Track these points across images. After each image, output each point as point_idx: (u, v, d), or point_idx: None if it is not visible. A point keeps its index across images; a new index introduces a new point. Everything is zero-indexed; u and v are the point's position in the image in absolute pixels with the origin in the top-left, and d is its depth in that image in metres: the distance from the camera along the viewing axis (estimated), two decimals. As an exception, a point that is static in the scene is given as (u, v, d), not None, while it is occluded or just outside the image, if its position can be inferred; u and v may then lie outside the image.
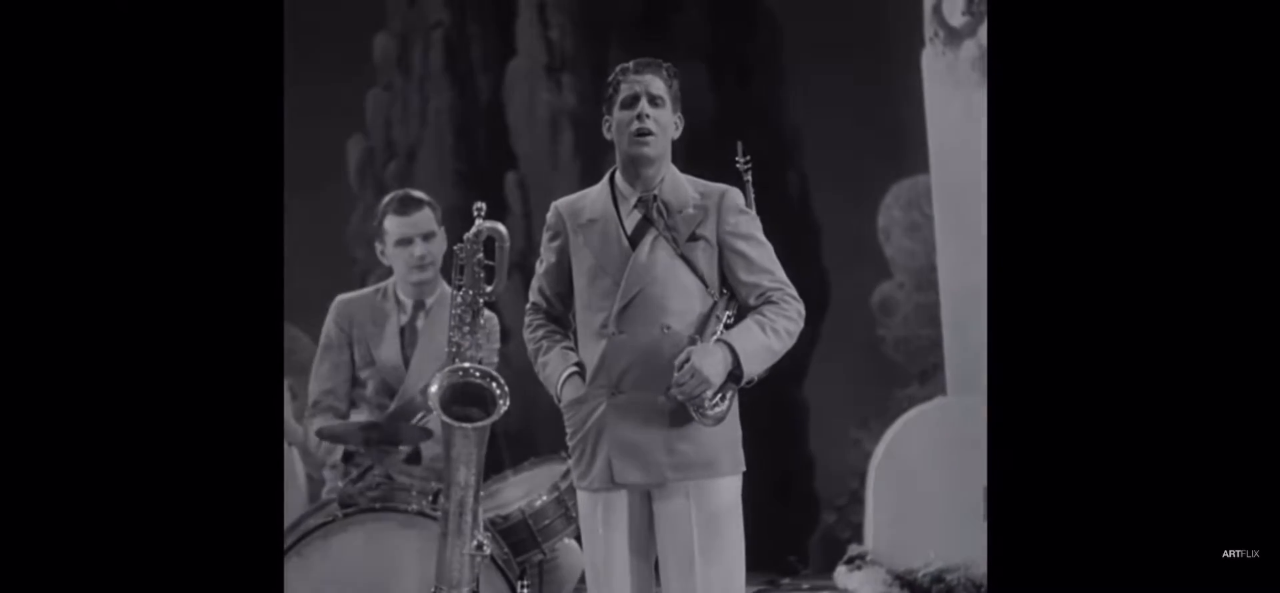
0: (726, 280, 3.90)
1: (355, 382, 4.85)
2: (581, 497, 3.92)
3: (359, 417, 4.75)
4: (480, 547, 4.10)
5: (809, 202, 8.54)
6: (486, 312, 4.41)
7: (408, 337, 4.82)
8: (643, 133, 3.86)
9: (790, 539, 8.20)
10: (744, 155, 3.96)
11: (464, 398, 4.13)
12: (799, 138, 8.52)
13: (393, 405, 4.76)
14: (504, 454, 6.52)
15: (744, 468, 3.89)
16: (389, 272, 4.91)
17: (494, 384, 4.13)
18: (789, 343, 3.87)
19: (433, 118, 8.89)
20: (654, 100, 3.88)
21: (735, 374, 3.80)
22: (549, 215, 4.00)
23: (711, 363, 3.77)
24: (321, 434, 4.65)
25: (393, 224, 4.81)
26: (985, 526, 3.84)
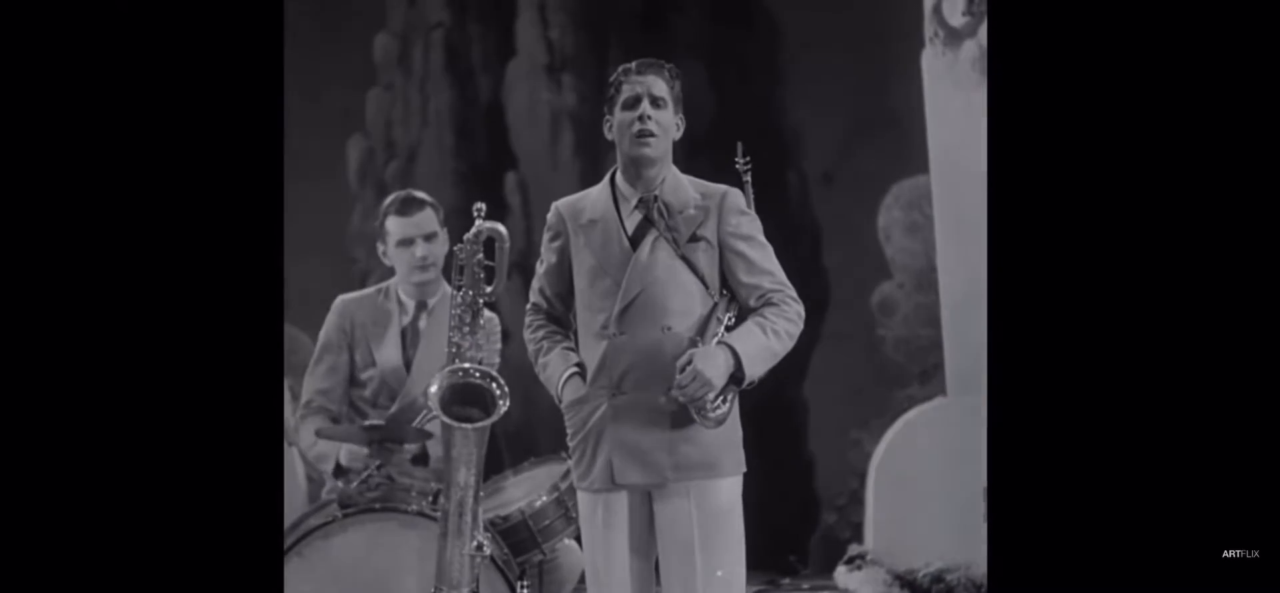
0: (727, 281, 3.90)
1: (355, 383, 4.84)
2: (582, 497, 3.92)
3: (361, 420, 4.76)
4: (480, 547, 4.10)
5: (809, 202, 8.54)
6: (487, 312, 4.41)
7: (410, 337, 4.82)
8: (644, 134, 3.86)
9: (790, 539, 8.20)
10: (744, 156, 3.97)
11: (464, 398, 4.13)
12: (799, 138, 8.52)
13: (394, 407, 4.76)
14: (504, 455, 6.53)
15: (745, 468, 3.90)
16: (390, 272, 4.90)
17: (494, 385, 4.13)
18: (789, 345, 3.88)
19: (433, 118, 8.89)
20: (656, 101, 3.88)
21: (737, 376, 3.80)
22: (550, 216, 4.00)
23: (713, 365, 3.77)
24: (322, 434, 4.65)
25: (394, 225, 4.81)
26: (985, 526, 3.84)
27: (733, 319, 3.87)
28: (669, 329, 3.83)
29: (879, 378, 8.24)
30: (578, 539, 4.31)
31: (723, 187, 3.93)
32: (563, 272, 3.96)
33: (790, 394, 8.24)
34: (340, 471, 4.69)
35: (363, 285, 5.07)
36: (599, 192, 3.95)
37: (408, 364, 4.79)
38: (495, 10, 8.90)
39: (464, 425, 4.07)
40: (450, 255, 4.32)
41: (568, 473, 4.45)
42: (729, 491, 3.86)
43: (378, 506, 4.42)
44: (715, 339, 3.82)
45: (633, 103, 3.88)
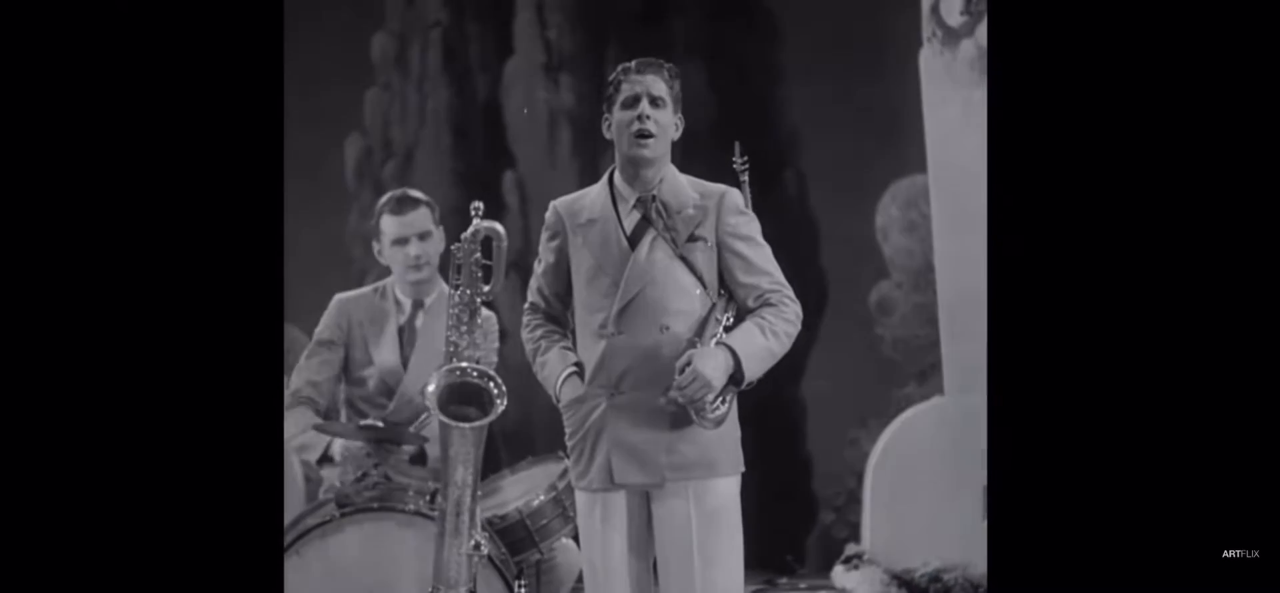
0: (725, 281, 3.90)
1: (353, 382, 4.84)
2: (580, 497, 3.92)
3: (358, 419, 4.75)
4: (477, 547, 4.10)
5: (807, 201, 8.54)
6: (485, 311, 4.40)
7: (407, 336, 4.82)
8: (643, 134, 3.85)
9: (787, 539, 8.19)
10: (742, 156, 3.97)
11: (461, 397, 4.13)
12: (797, 138, 8.51)
13: (391, 406, 4.76)
14: (501, 454, 6.53)
15: (743, 468, 3.90)
16: (388, 271, 4.90)
17: (491, 384, 4.12)
18: (788, 346, 3.88)
19: (431, 117, 8.88)
20: (655, 101, 3.88)
21: (736, 377, 3.80)
22: (548, 215, 4.00)
23: (713, 366, 3.76)
24: (320, 431, 4.65)
25: (389, 224, 4.80)
26: (984, 526, 3.84)
27: (731, 319, 3.87)
28: (667, 329, 3.83)
29: (877, 377, 8.23)
30: (575, 539, 4.31)
31: (721, 186, 3.93)
32: (561, 271, 3.96)
33: (787, 394, 8.23)
34: (325, 460, 4.68)
35: (361, 284, 5.07)
36: (597, 191, 3.95)
37: (405, 363, 4.79)
38: (493, 10, 8.89)
39: (461, 425, 4.07)
40: (448, 255, 4.31)
41: (565, 473, 4.45)
42: (727, 490, 3.85)
43: (375, 505, 4.42)
44: (714, 340, 3.82)
45: (632, 102, 3.87)
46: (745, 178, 3.96)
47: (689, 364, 3.76)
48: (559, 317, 4.01)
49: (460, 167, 8.76)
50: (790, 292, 3.91)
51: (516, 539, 4.57)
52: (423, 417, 4.62)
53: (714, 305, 3.88)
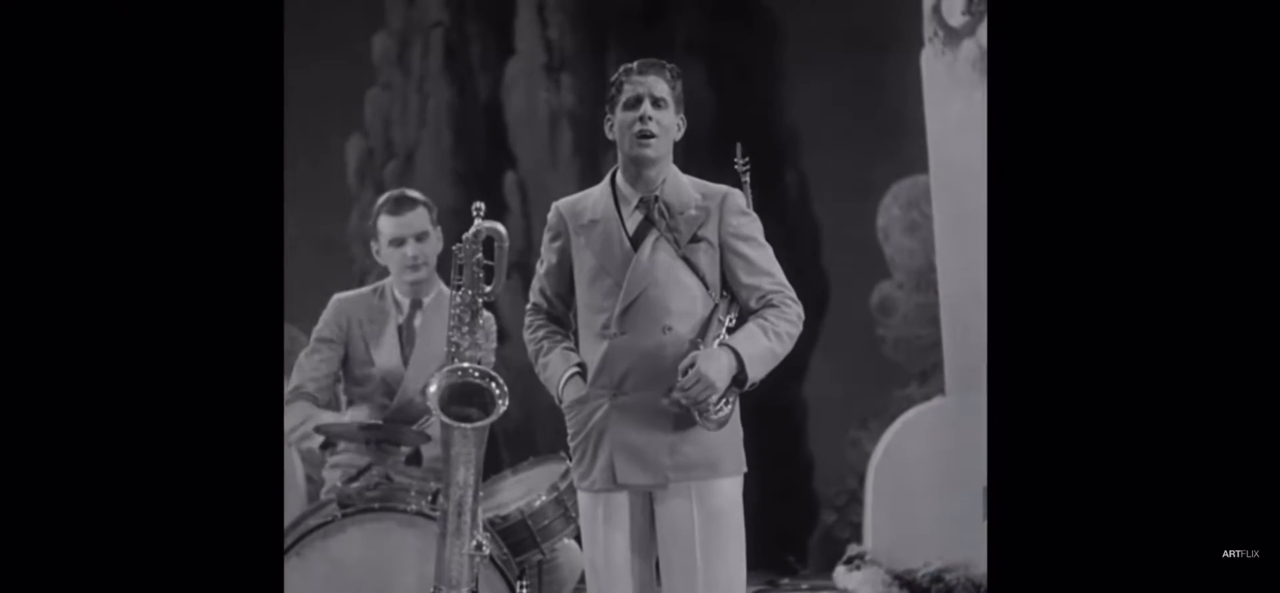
0: (726, 282, 3.90)
1: (353, 381, 4.84)
2: (582, 497, 3.92)
3: (357, 416, 4.75)
4: (479, 547, 4.09)
5: (808, 202, 8.54)
6: (483, 311, 4.40)
7: (406, 336, 4.82)
8: (645, 135, 3.86)
9: (789, 539, 8.20)
10: (743, 156, 3.97)
11: (463, 398, 4.12)
12: (798, 138, 8.52)
13: (392, 405, 4.76)
14: (503, 454, 6.53)
15: (745, 469, 3.90)
16: (387, 271, 4.90)
17: (493, 384, 4.12)
18: (790, 347, 3.88)
19: (432, 117, 8.88)
20: (657, 102, 3.88)
21: (739, 379, 3.80)
22: (550, 216, 4.00)
23: (716, 367, 3.77)
24: (321, 430, 4.65)
25: (386, 224, 4.80)
26: (985, 525, 3.84)
27: (734, 320, 3.87)
28: (670, 330, 3.83)
29: (878, 378, 8.23)
30: (577, 539, 4.31)
31: (723, 187, 3.93)
32: (563, 272, 3.96)
33: (789, 394, 8.23)
34: (328, 445, 4.68)
35: (361, 284, 5.07)
36: (600, 192, 3.95)
37: (406, 362, 4.79)
38: (494, 9, 8.90)
39: (463, 425, 4.07)
40: (449, 255, 4.31)
41: (567, 473, 4.45)
42: (730, 490, 3.86)
43: (377, 505, 4.41)
44: (717, 341, 3.82)
45: (634, 103, 3.88)
46: (747, 178, 3.96)
47: (692, 366, 3.76)
48: (561, 317, 4.01)
49: (461, 167, 8.76)
50: (792, 292, 3.92)
51: (518, 540, 4.56)
52: (425, 418, 4.62)
53: (716, 306, 3.88)
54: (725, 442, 3.85)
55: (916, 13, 6.99)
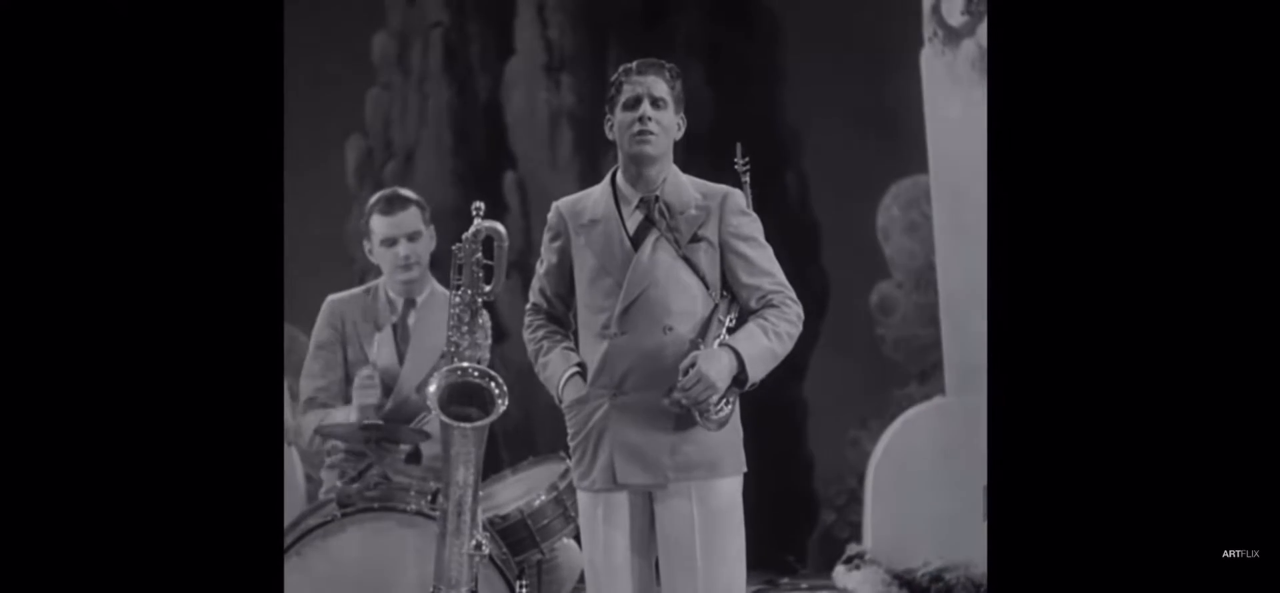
0: (727, 282, 3.90)
1: (349, 380, 4.84)
2: (582, 497, 3.92)
3: (355, 415, 4.75)
4: (479, 547, 4.09)
5: (808, 202, 8.54)
6: (482, 311, 4.40)
7: (401, 335, 4.82)
8: (645, 135, 3.86)
9: (789, 539, 8.19)
10: (743, 156, 3.97)
11: (462, 397, 4.12)
12: (798, 138, 8.52)
13: (388, 405, 4.75)
14: (503, 454, 6.52)
15: (745, 468, 3.90)
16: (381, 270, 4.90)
17: (492, 384, 4.12)
18: (790, 347, 3.88)
19: (432, 117, 8.87)
20: (656, 102, 3.88)
21: (739, 379, 3.80)
22: (550, 216, 4.00)
23: (717, 368, 3.77)
24: (321, 432, 4.65)
25: (378, 223, 4.80)
26: (984, 525, 3.84)
27: (734, 320, 3.87)
28: (670, 330, 3.83)
29: (878, 377, 8.24)
30: (576, 539, 4.31)
31: (724, 187, 3.93)
32: (563, 272, 3.96)
33: (789, 394, 8.23)
34: (350, 452, 4.68)
35: (361, 284, 5.06)
36: (600, 192, 3.95)
37: (401, 361, 4.79)
38: (494, 9, 8.89)
39: (463, 425, 4.06)
40: (449, 255, 4.31)
41: (566, 473, 4.45)
42: (730, 490, 3.86)
43: (376, 505, 4.41)
44: (717, 341, 3.82)
45: (633, 103, 3.88)
46: (747, 178, 3.96)
47: (693, 366, 3.76)
48: (561, 317, 4.01)
49: (461, 167, 8.76)
50: (792, 292, 3.92)
51: (518, 539, 4.56)
52: (422, 416, 4.62)
53: (717, 306, 3.88)
54: (725, 442, 3.85)
55: (916, 13, 6.98)
